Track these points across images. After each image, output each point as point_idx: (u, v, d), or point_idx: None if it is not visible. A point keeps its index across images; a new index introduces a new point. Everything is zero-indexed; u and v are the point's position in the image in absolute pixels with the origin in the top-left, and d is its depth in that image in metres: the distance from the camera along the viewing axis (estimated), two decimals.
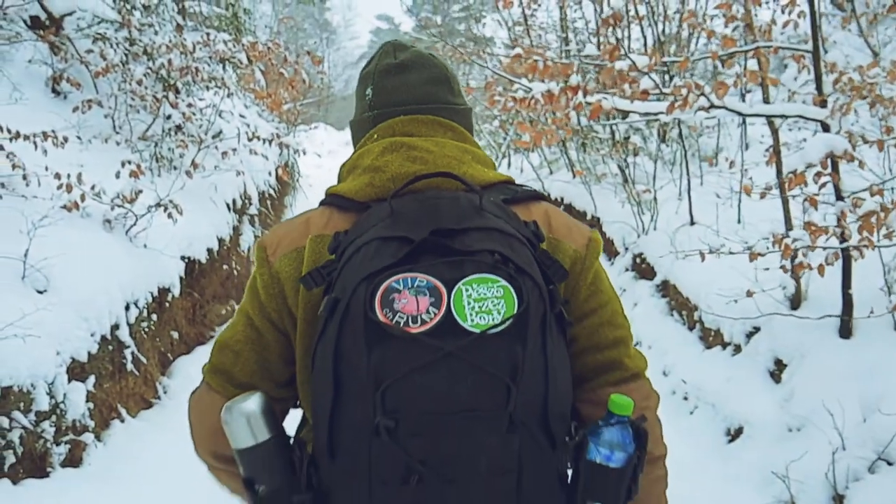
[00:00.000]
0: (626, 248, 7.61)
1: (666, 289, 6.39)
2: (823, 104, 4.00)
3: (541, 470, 1.17)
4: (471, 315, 1.09)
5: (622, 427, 1.19)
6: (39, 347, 3.60)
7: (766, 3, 4.45)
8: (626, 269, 7.40)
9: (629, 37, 9.59)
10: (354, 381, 1.10)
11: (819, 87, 4.09)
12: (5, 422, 3.40)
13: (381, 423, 1.08)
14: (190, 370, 5.20)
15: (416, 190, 1.25)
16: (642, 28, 9.57)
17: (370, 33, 50.88)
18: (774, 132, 4.62)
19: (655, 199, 7.22)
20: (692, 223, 6.84)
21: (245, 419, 1.18)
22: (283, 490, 1.20)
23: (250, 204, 7.51)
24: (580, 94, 3.39)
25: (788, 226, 4.67)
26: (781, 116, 3.96)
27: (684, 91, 3.26)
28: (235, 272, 6.60)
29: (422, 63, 1.45)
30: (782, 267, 3.80)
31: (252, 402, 1.19)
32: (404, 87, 1.42)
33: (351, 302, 1.10)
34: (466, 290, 1.09)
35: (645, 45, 9.65)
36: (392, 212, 1.20)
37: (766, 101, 4.31)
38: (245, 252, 7.08)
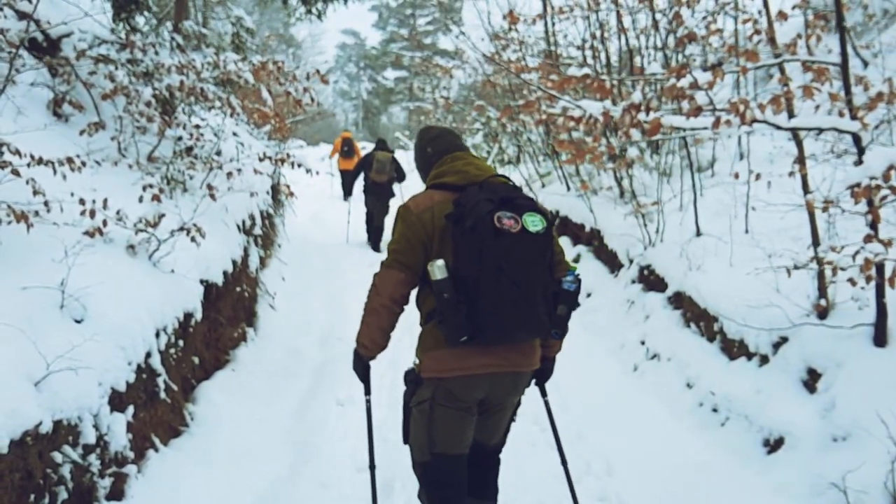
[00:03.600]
0: (631, 261, 7.64)
1: (679, 300, 6.43)
2: (854, 116, 4.07)
3: (548, 288, 2.97)
4: (531, 226, 2.86)
5: (573, 274, 3.06)
6: (83, 379, 3.50)
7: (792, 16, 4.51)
8: (633, 282, 7.42)
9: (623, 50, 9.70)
10: (489, 252, 2.79)
11: (849, 100, 4.16)
12: (58, 457, 3.30)
13: (503, 265, 2.80)
14: (213, 396, 5.10)
15: (485, 179, 3.03)
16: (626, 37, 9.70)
17: (336, 48, 50.94)
18: (799, 143, 4.68)
19: (662, 210, 7.26)
20: (698, 234, 6.90)
21: (438, 267, 2.86)
22: (453, 297, 2.83)
23: (255, 224, 7.43)
24: (642, 112, 3.42)
25: (815, 238, 4.73)
26: (817, 129, 4.02)
27: (741, 107, 3.30)
28: (246, 294, 6.50)
29: (453, 132, 3.44)
30: (850, 279, 3.84)
31: (441, 261, 2.87)
32: (453, 141, 3.32)
33: (486, 222, 2.79)
34: (527, 216, 2.87)
35: (631, 56, 9.76)
36: (481, 189, 2.93)
37: (790, 114, 4.37)
38: (254, 273, 6.98)
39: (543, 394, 3.50)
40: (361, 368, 3.29)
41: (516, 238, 2.80)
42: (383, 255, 3.16)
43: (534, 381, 3.27)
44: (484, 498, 3.35)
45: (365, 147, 26.97)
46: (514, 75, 10.52)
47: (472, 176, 3.04)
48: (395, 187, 11.55)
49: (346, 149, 17.06)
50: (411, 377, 3.14)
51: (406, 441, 3.23)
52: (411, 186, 11.03)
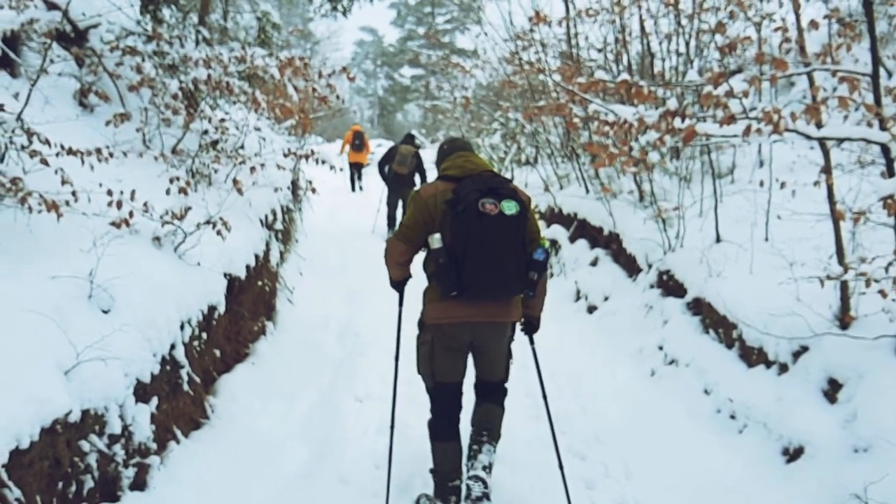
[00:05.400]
0: (650, 266, 7.62)
1: (699, 306, 6.42)
2: (883, 127, 4.05)
3: (520, 259, 3.86)
4: (507, 210, 3.77)
5: (543, 247, 3.93)
6: (111, 369, 3.54)
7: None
8: (651, 286, 7.41)
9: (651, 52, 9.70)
10: (473, 230, 3.73)
11: (879, 111, 4.14)
12: (85, 446, 3.34)
13: (483, 239, 3.73)
14: (234, 389, 5.13)
15: (479, 173, 3.96)
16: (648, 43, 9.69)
17: (354, 44, 51.04)
18: (826, 153, 4.67)
19: (682, 216, 7.25)
20: (718, 241, 6.88)
21: (436, 239, 3.82)
22: (446, 262, 3.78)
23: (276, 219, 7.46)
24: (678, 119, 3.42)
25: (840, 249, 4.71)
26: (846, 139, 4.01)
27: (774, 116, 3.29)
28: (266, 288, 6.53)
29: (464, 140, 4.50)
30: (880, 291, 3.82)
31: (437, 234, 3.82)
32: (461, 144, 4.30)
33: (473, 206, 3.72)
34: (504, 203, 3.78)
35: (651, 66, 9.75)
36: (473, 181, 3.86)
37: (818, 124, 4.35)
38: (274, 268, 7.01)
39: (531, 342, 4.30)
40: (395, 286, 4.34)
41: (495, 219, 3.74)
42: None
43: (524, 331, 4.25)
44: (499, 404, 4.32)
45: (381, 144, 27.15)
46: (536, 76, 10.57)
47: (469, 170, 3.98)
48: (416, 179, 12.12)
49: (357, 142, 18.13)
50: (420, 322, 4.16)
51: (418, 371, 4.21)
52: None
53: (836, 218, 4.67)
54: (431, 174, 12.56)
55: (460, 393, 4.19)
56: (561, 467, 4.07)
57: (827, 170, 4.69)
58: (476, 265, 3.74)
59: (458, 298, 3.83)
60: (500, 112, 13.65)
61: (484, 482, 3.99)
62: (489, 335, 4.02)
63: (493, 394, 4.30)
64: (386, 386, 5.65)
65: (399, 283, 4.29)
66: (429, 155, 24.44)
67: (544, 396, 4.30)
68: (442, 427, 4.12)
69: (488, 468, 4.06)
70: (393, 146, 12.23)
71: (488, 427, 4.20)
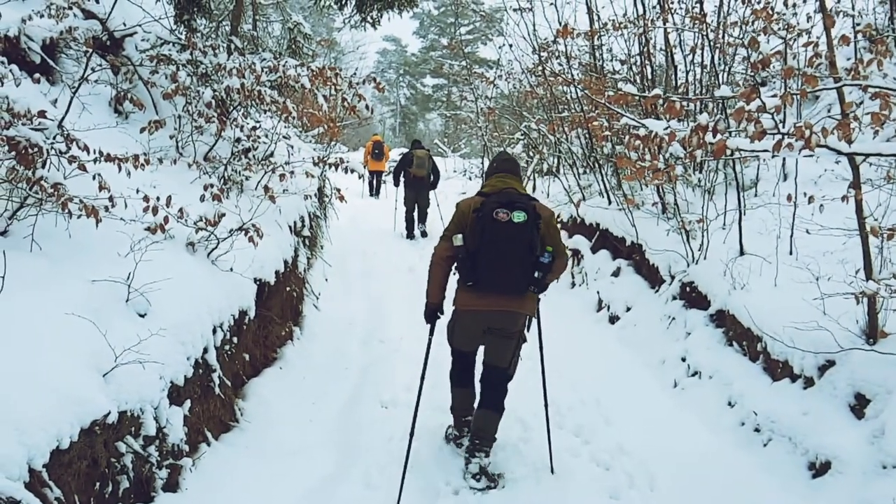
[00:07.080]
0: (673, 277, 7.63)
1: (722, 319, 6.42)
2: None
3: (527, 262, 4.59)
4: (516, 218, 4.51)
5: (549, 253, 4.61)
6: (146, 372, 3.61)
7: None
8: (674, 298, 7.41)
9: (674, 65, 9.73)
10: (487, 232, 4.50)
11: None
12: (121, 447, 3.41)
13: (494, 241, 4.50)
14: (263, 393, 5.20)
15: (502, 190, 4.73)
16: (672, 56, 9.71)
17: (377, 54, 51.31)
18: (855, 168, 4.68)
19: (707, 228, 7.25)
20: (742, 253, 6.88)
21: (458, 239, 4.59)
22: (465, 257, 4.60)
23: (304, 225, 7.55)
24: (710, 133, 3.45)
25: (868, 263, 4.71)
26: (878, 155, 4.02)
27: (806, 132, 3.32)
28: (294, 294, 6.61)
29: (510, 158, 5.12)
30: None
31: (460, 235, 4.60)
32: (504, 163, 5.00)
33: (488, 214, 4.51)
34: (515, 213, 4.52)
35: (675, 78, 9.76)
36: (498, 196, 4.63)
37: (848, 140, 4.36)
38: (301, 273, 7.09)
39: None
40: (429, 315, 4.84)
41: (505, 224, 4.50)
42: (420, 257, 4.90)
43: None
44: (496, 409, 4.85)
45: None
46: (558, 86, 10.62)
47: (499, 188, 4.78)
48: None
49: (377, 151, 19.74)
50: (453, 302, 4.87)
51: (447, 336, 5.06)
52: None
53: (865, 234, 4.67)
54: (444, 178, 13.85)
55: (473, 356, 5.08)
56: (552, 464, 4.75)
57: (856, 185, 4.69)
58: (487, 261, 4.53)
59: (476, 290, 4.62)
60: (525, 123, 13.72)
61: (474, 489, 4.62)
62: (500, 319, 4.72)
63: (494, 390, 4.89)
64: (411, 392, 5.71)
65: (432, 312, 4.82)
66: (449, 163, 24.68)
67: (542, 371, 5.13)
68: (459, 376, 5.07)
69: (478, 476, 4.66)
70: (407, 152, 13.37)
71: (482, 436, 4.81)
